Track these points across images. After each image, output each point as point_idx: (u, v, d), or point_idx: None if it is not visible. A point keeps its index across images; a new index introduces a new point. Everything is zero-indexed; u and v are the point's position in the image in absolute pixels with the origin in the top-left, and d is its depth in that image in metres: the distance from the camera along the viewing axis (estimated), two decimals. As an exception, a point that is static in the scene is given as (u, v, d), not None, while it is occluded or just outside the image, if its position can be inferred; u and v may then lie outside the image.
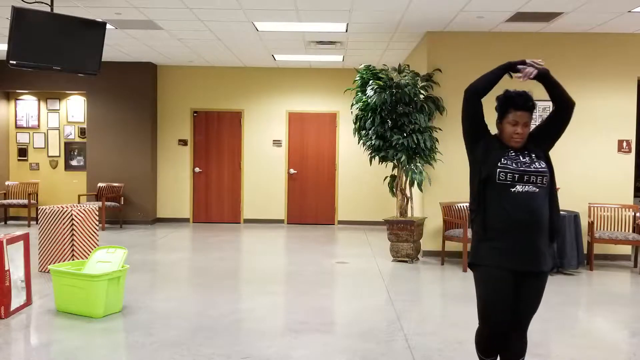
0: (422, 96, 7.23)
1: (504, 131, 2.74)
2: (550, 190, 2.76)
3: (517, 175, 2.67)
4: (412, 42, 8.07)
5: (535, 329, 4.38)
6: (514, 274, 2.69)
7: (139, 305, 4.93)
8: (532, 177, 2.67)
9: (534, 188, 2.66)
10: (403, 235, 7.04)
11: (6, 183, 10.49)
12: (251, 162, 10.55)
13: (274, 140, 10.53)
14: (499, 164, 2.69)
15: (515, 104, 2.71)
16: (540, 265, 2.70)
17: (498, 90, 2.88)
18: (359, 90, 7.38)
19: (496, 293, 2.71)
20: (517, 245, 2.66)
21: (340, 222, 10.64)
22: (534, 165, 2.70)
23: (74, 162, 10.75)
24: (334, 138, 10.55)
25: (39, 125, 10.73)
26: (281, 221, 10.62)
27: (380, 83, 6.95)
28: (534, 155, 2.75)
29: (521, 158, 2.73)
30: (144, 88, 10.14)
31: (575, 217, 6.59)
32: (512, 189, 2.66)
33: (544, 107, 7.28)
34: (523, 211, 2.64)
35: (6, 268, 4.56)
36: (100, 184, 10.11)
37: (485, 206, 2.73)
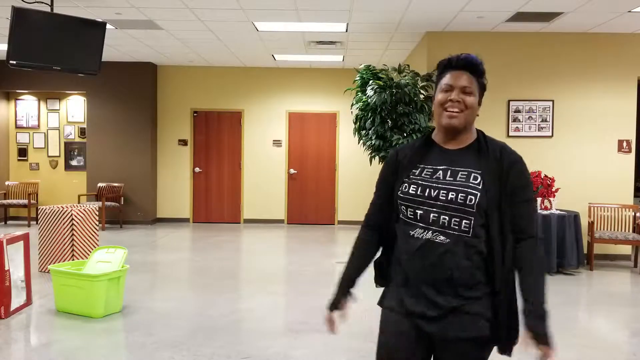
0: (422, 96, 7.23)
1: (435, 106, 1.81)
2: (493, 243, 1.70)
3: (418, 212, 1.73)
4: (412, 42, 8.07)
5: (535, 329, 4.38)
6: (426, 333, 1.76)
7: (139, 305, 4.93)
8: (441, 217, 1.70)
9: (443, 237, 1.68)
10: (403, 235, 7.03)
11: (6, 183, 10.49)
12: (251, 162, 10.55)
13: (274, 140, 10.54)
14: (399, 193, 1.79)
15: (450, 63, 1.81)
16: (452, 331, 1.71)
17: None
18: (359, 90, 7.38)
19: (392, 344, 1.80)
20: (420, 298, 1.75)
21: (340, 222, 10.64)
22: (452, 195, 1.69)
23: (74, 162, 10.75)
24: (334, 138, 10.55)
25: (39, 125, 10.73)
26: (281, 221, 10.62)
27: (380, 83, 6.95)
28: (472, 175, 1.73)
29: (441, 177, 1.75)
30: (144, 88, 10.14)
31: (575, 217, 6.59)
32: (411, 232, 1.74)
33: (544, 107, 7.29)
34: (425, 271, 1.72)
35: (6, 268, 4.56)
36: (100, 184, 10.11)
37: (394, 238, 1.87)
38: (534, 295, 1.66)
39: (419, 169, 1.79)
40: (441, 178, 1.74)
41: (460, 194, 1.68)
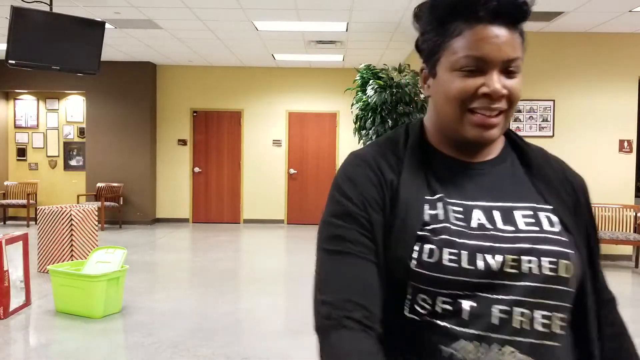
0: (422, 96, 7.22)
1: (444, 98, 0.90)
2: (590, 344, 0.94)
3: (465, 304, 0.83)
4: (413, 41, 8.04)
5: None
6: None
7: (139, 306, 4.91)
8: (515, 311, 0.83)
9: (521, 357, 0.82)
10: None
11: (5, 183, 10.47)
12: (251, 162, 10.53)
13: (273, 140, 10.52)
14: (414, 264, 0.85)
15: (473, 7, 0.87)
16: None
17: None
18: (359, 90, 7.37)
19: None
20: None
21: (340, 222, 10.61)
22: (531, 263, 0.84)
23: (73, 162, 10.73)
24: (334, 138, 10.53)
25: (38, 125, 10.71)
26: (281, 221, 10.60)
27: (381, 83, 6.93)
28: (543, 216, 0.91)
29: (486, 223, 0.88)
30: (144, 88, 10.12)
31: (576, 217, 6.57)
32: (444, 348, 0.83)
33: (544, 107, 7.27)
34: None
35: (5, 268, 4.54)
36: (99, 184, 10.09)
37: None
38: None
39: (440, 207, 0.89)
40: (488, 225, 0.87)
41: (546, 259, 0.85)
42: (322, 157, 10.55)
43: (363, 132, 7.32)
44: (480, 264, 0.84)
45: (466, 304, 0.83)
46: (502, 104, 0.89)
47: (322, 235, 0.91)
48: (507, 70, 0.90)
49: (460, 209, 0.90)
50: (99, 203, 9.56)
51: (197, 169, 10.55)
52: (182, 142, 10.49)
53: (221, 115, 10.52)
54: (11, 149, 10.76)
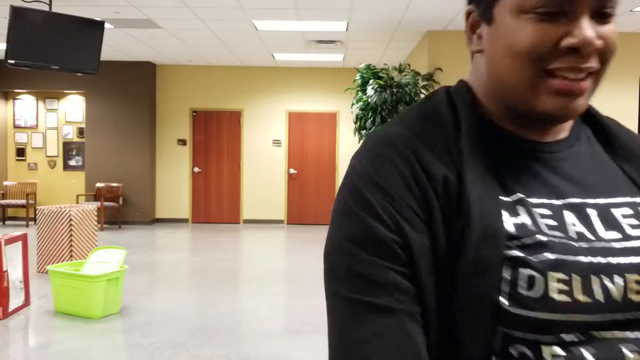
0: (422, 95, 7.21)
1: (510, 59, 0.62)
2: None
3: (586, 351, 0.58)
4: (413, 41, 8.05)
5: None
6: None
7: (138, 306, 4.90)
8: None
9: None
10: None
11: (4, 183, 10.45)
12: (251, 162, 10.52)
13: (273, 140, 10.50)
14: (511, 307, 0.57)
15: None
16: None
17: None
18: (360, 89, 7.35)
19: None
20: None
21: (340, 222, 10.59)
22: None
23: (72, 162, 10.71)
24: (334, 138, 10.52)
25: (37, 125, 10.69)
26: (281, 221, 10.58)
27: (381, 82, 6.92)
28: None
29: (584, 229, 0.63)
30: (143, 87, 10.10)
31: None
32: None
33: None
34: None
35: (4, 269, 4.53)
36: (98, 184, 10.07)
37: None
38: None
39: (523, 212, 0.63)
40: (588, 233, 0.63)
41: None
42: (322, 157, 10.54)
43: (363, 132, 7.31)
44: (597, 291, 0.58)
45: (587, 352, 0.58)
46: (593, 62, 0.61)
47: (336, 270, 0.63)
48: (600, 12, 0.61)
49: (549, 212, 0.63)
50: (99, 203, 9.54)
51: (196, 169, 10.54)
52: (182, 142, 10.47)
53: (221, 115, 10.51)
54: (10, 148, 10.74)
